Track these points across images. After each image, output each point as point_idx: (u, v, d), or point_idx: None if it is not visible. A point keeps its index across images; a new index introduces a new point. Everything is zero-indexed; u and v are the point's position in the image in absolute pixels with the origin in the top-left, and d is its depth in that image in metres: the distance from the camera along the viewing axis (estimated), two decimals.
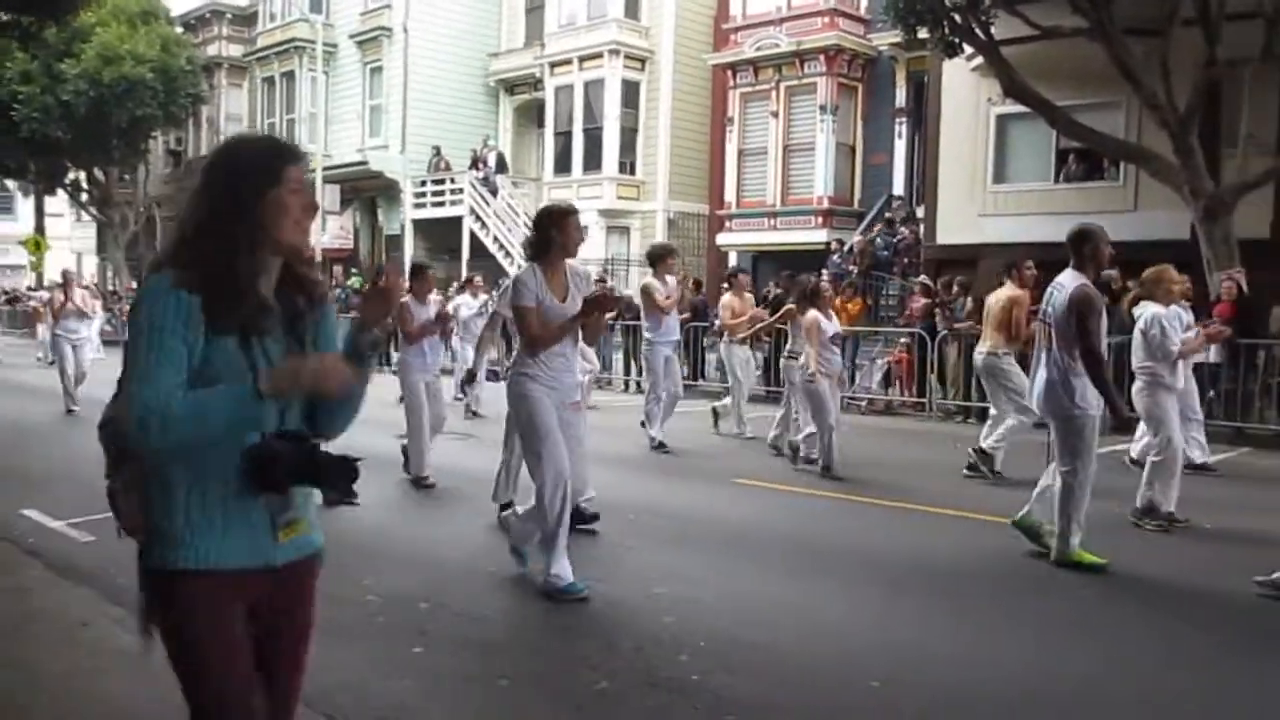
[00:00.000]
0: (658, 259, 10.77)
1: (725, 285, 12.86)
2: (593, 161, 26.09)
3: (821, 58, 22.52)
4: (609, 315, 7.77)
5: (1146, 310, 7.58)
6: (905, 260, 19.62)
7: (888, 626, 4.98)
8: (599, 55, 25.81)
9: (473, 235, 26.42)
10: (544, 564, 5.27)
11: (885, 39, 21.55)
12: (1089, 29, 13.78)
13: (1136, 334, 7.57)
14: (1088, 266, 5.98)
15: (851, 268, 19.23)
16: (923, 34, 15.78)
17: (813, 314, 9.34)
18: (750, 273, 16.39)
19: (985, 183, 17.82)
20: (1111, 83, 14.22)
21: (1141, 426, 8.26)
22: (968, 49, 15.42)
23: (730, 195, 24.08)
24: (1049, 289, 6.16)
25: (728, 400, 12.28)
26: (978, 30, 14.90)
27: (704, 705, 3.91)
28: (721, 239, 24.28)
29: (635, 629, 4.79)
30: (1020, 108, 15.54)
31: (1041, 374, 6.06)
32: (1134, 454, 9.08)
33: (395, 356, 11.99)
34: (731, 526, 7.10)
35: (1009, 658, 4.54)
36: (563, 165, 26.84)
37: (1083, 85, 15.43)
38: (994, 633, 4.91)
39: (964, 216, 17.73)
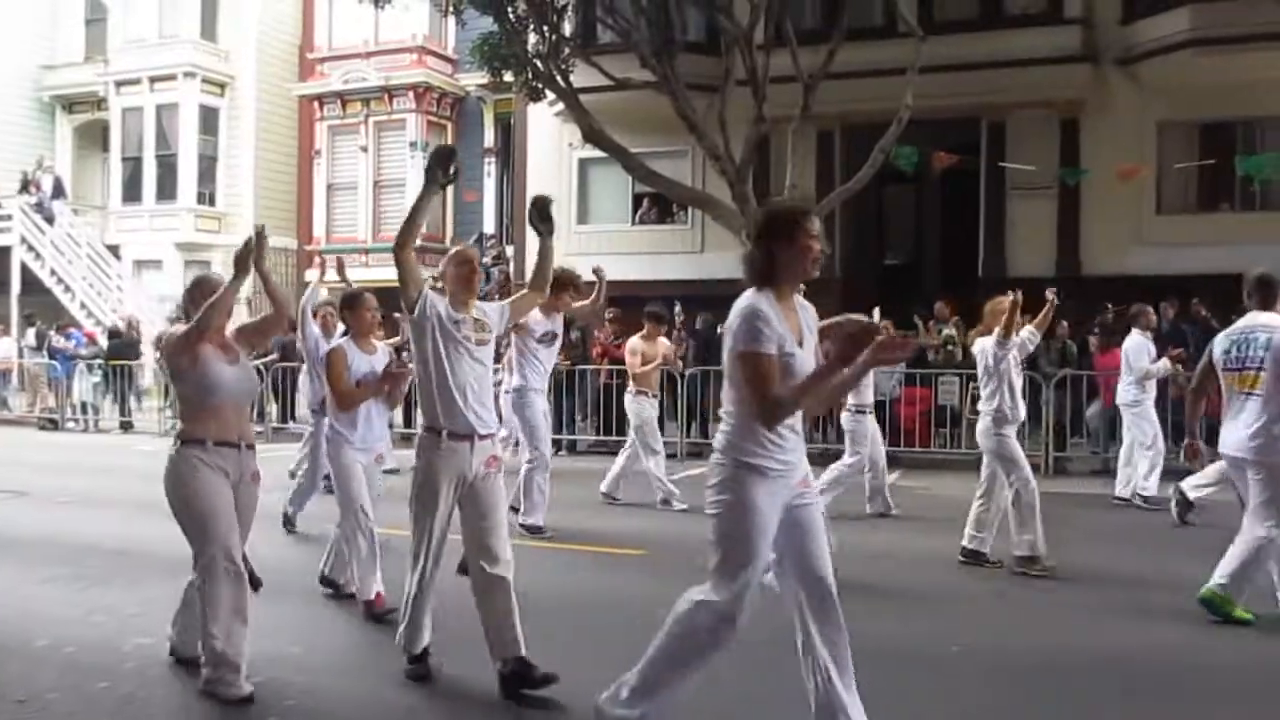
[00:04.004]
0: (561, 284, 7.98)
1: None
2: (168, 190, 24.46)
3: (411, 94, 22.67)
4: None
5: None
6: (497, 297, 20.03)
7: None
8: (173, 77, 24.26)
9: (25, 267, 23.72)
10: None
11: (473, 79, 22.06)
12: (657, 82, 14.96)
13: None
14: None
15: None
16: (508, 77, 16.37)
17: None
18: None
19: (570, 223, 18.70)
20: (679, 133, 15.49)
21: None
22: (550, 94, 16.16)
23: (320, 230, 23.55)
24: (1241, 333, 5.77)
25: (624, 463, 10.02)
26: (558, 78, 15.68)
27: None
28: (311, 275, 23.51)
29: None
30: (599, 153, 16.49)
31: (1248, 419, 5.60)
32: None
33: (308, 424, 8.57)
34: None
35: None
36: (133, 193, 24.92)
37: (654, 134, 16.69)
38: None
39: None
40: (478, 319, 4.61)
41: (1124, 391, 9.96)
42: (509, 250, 21.06)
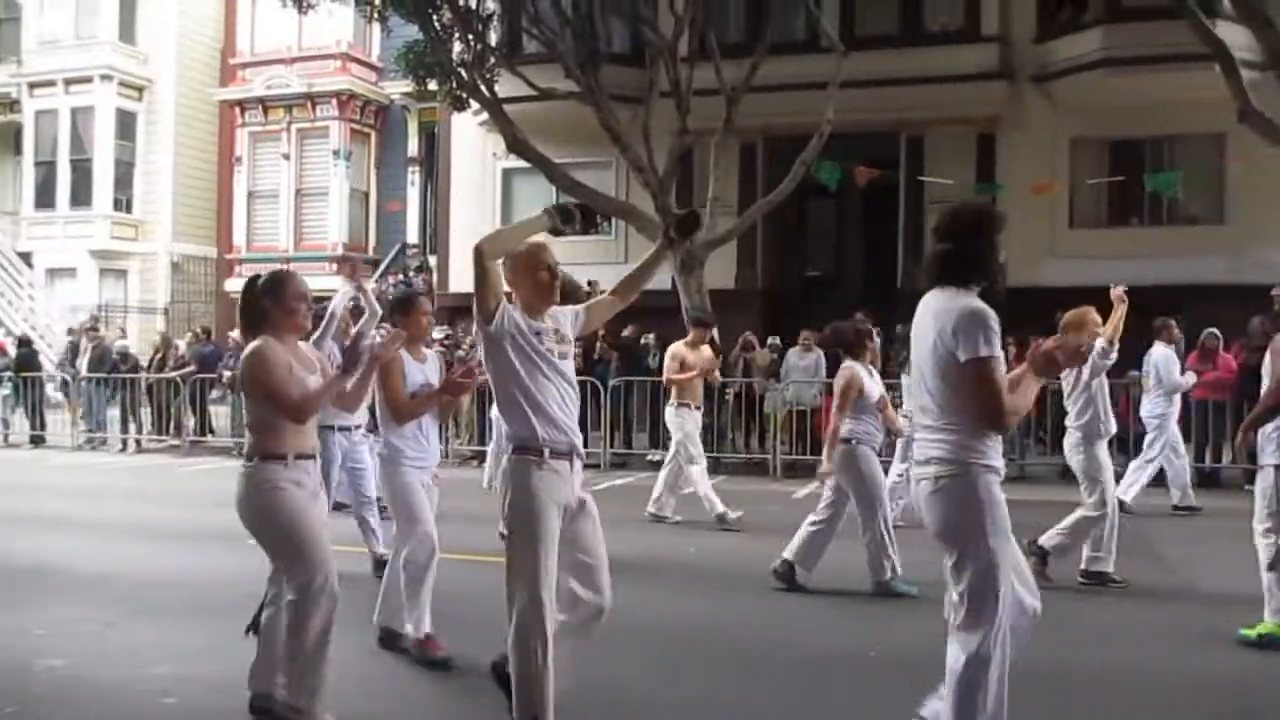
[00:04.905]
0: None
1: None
2: (82, 197, 23.91)
3: (334, 101, 22.45)
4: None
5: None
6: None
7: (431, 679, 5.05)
8: (89, 79, 23.74)
9: None
10: None
11: (398, 88, 21.92)
12: (581, 93, 15.01)
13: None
14: None
15: None
16: (432, 86, 16.30)
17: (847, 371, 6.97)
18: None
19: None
20: (603, 144, 15.55)
21: None
22: (475, 104, 16.12)
23: (240, 239, 23.20)
24: None
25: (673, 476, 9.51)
26: (483, 87, 15.65)
27: None
28: (232, 285, 23.21)
29: (130, 713, 4.49)
30: (524, 163, 16.48)
31: None
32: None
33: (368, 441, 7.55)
34: (237, 590, 6.80)
35: None
36: (46, 199, 24.31)
37: (578, 145, 16.74)
38: None
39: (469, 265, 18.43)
40: (556, 329, 4.12)
41: (1152, 404, 9.90)
42: (432, 260, 20.95)
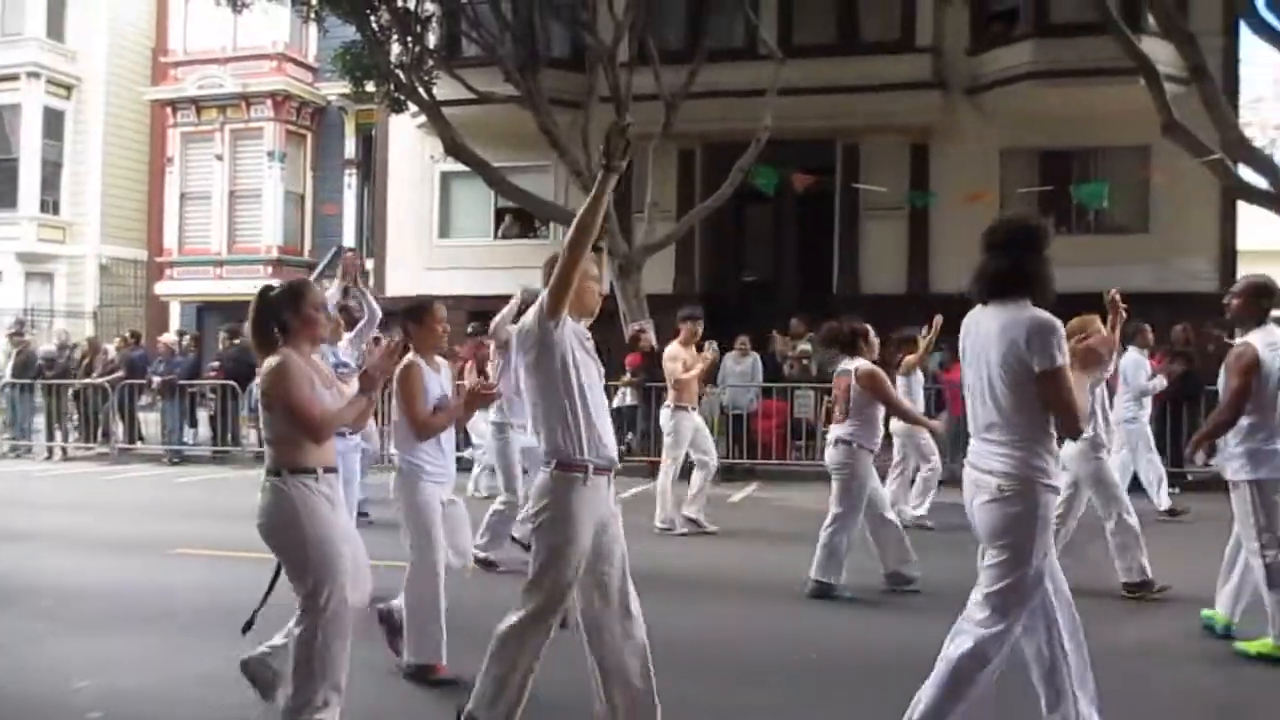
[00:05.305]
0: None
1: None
2: (7, 198, 23.37)
3: (269, 102, 22.15)
4: None
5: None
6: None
7: None
8: (15, 77, 23.24)
9: None
10: None
11: (334, 89, 21.67)
12: (520, 97, 14.98)
13: None
14: None
15: None
16: (370, 88, 16.16)
17: (866, 366, 6.94)
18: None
19: (432, 237, 18.56)
20: (541, 148, 15.54)
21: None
22: (413, 106, 16.01)
23: (172, 241, 22.79)
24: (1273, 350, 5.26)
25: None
26: (421, 89, 15.54)
27: None
28: (162, 288, 22.86)
29: None
30: (462, 166, 16.39)
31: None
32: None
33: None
34: (165, 601, 6.71)
35: None
36: None
37: (517, 149, 16.69)
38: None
39: (412, 269, 18.35)
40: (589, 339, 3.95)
41: (1123, 408, 9.97)
42: (369, 264, 20.73)
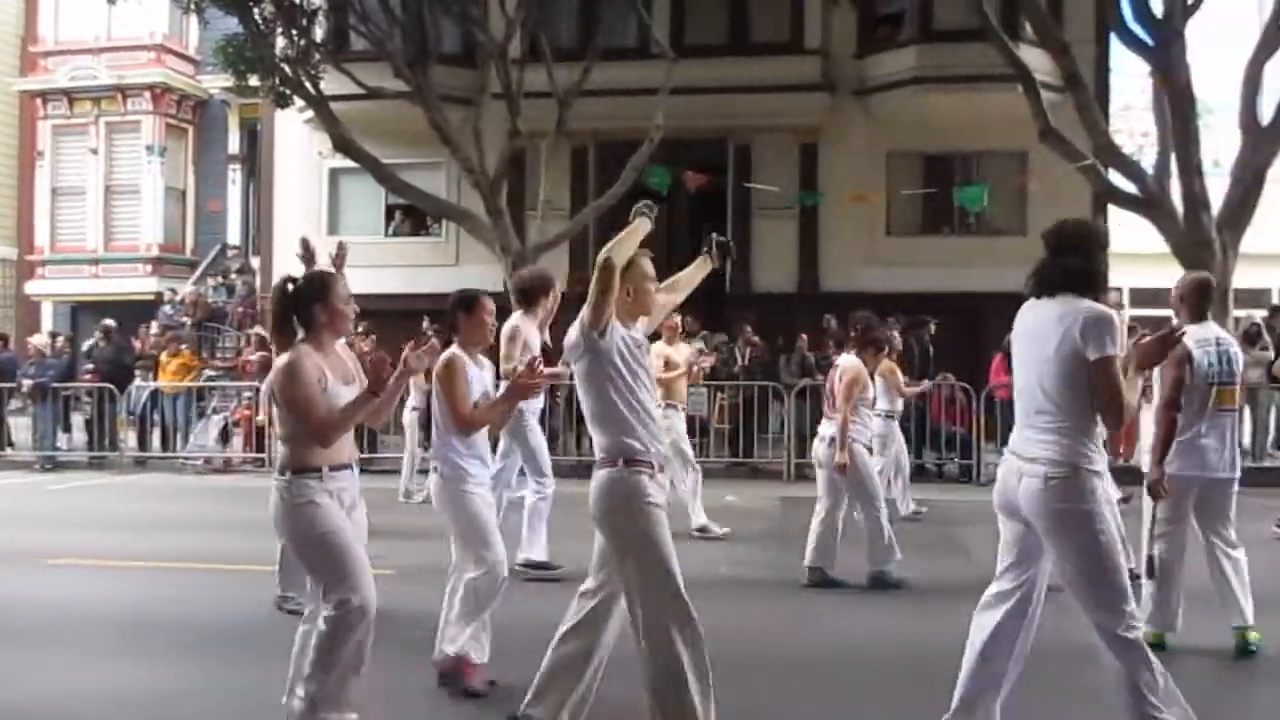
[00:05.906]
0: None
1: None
2: None
3: (147, 94, 21.41)
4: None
5: None
6: (241, 311, 19.18)
7: (200, 693, 4.87)
8: None
9: None
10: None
11: (217, 82, 21.00)
12: (410, 93, 14.77)
13: None
14: None
15: (185, 319, 18.38)
16: (253, 81, 15.74)
17: (854, 362, 7.17)
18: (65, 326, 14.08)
19: (320, 234, 18.10)
20: (433, 145, 15.35)
21: None
22: (299, 101, 15.65)
23: (43, 239, 21.86)
24: (1217, 347, 5.25)
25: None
26: (307, 84, 15.20)
27: None
28: (33, 287, 21.91)
29: None
30: (352, 162, 16.08)
31: (1224, 436, 5.28)
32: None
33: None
34: (44, 614, 6.42)
35: None
36: None
37: (408, 145, 16.49)
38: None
39: (297, 267, 17.85)
40: (639, 340, 4.05)
41: None
42: (254, 262, 20.23)
